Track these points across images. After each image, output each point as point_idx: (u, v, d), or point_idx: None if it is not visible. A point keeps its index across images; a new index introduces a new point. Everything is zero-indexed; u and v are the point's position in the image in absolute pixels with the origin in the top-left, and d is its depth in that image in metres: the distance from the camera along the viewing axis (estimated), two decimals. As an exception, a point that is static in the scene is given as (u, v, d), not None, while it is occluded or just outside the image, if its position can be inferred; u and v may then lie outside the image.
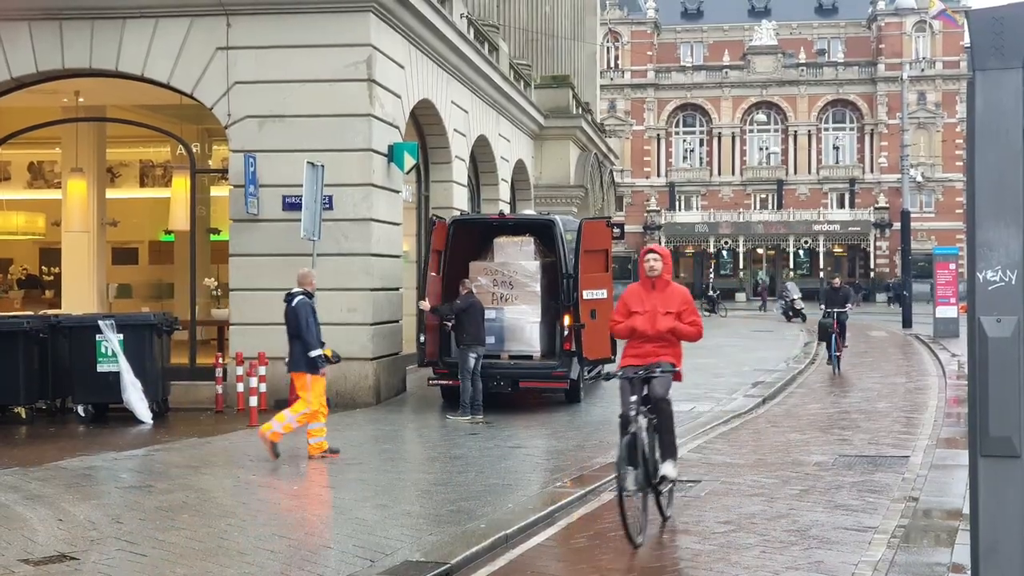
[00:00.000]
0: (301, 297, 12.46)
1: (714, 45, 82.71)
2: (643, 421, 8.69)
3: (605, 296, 17.35)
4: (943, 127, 75.52)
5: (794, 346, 29.18)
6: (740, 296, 71.12)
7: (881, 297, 69.20)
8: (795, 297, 44.81)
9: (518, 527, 8.79)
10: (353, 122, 16.64)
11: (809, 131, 78.41)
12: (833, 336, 22.36)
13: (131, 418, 15.02)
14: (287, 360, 12.55)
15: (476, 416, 15.10)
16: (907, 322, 36.65)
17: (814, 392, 19.12)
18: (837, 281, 25.27)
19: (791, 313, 43.98)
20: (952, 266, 32.34)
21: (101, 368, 15.12)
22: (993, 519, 4.89)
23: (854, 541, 8.43)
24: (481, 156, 26.36)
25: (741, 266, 75.08)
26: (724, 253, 75.93)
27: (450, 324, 16.06)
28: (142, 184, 22.49)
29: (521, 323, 16.75)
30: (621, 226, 19.95)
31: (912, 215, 42.86)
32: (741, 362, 24.00)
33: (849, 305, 23.31)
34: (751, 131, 79.37)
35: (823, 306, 23.23)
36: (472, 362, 15.34)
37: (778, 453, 12.68)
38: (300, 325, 12.23)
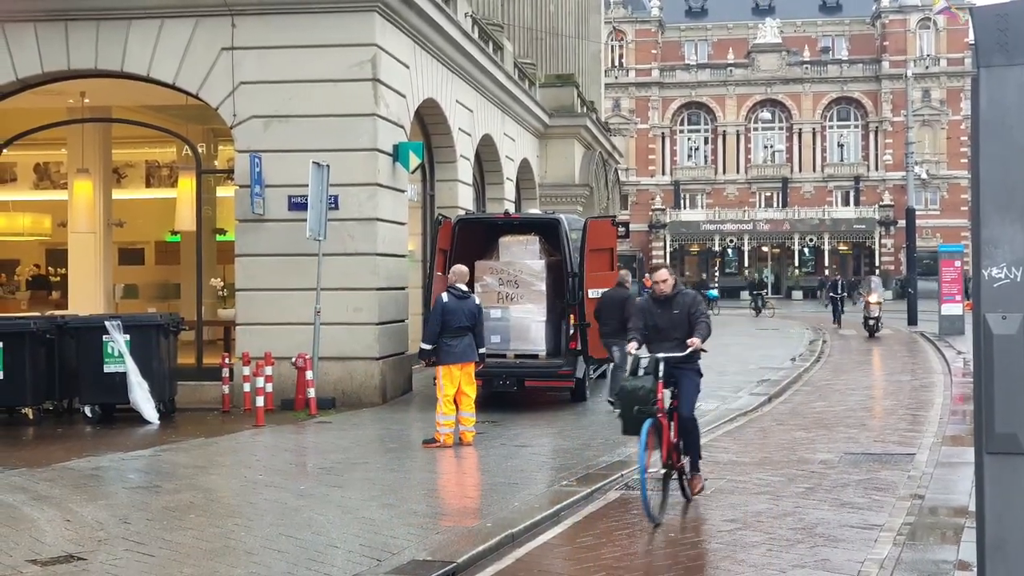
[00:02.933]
0: (475, 295, 13.53)
1: (718, 43, 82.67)
2: None
3: (610, 295, 17.35)
4: (948, 124, 75.43)
5: (799, 344, 29.16)
6: (745, 295, 70.95)
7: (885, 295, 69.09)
8: (872, 299, 32.78)
9: (524, 526, 8.80)
10: (358, 122, 16.67)
11: (814, 129, 78.35)
12: (645, 433, 9.04)
13: (138, 418, 15.04)
14: (457, 350, 13.03)
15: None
16: (912, 319, 36.61)
17: (819, 390, 19.10)
18: (665, 278, 9.92)
19: (869, 323, 32.64)
20: (957, 263, 32.28)
21: (108, 369, 15.14)
22: (999, 516, 4.90)
23: (860, 539, 8.43)
24: (486, 155, 26.38)
25: (746, 264, 75.00)
26: (729, 251, 75.84)
27: None
28: (148, 185, 22.54)
29: (526, 322, 16.74)
30: (626, 225, 20.01)
31: (917, 212, 42.74)
32: (746, 360, 23.98)
33: (697, 341, 9.58)
34: (756, 129, 79.32)
35: (632, 346, 9.82)
36: None
37: (784, 451, 12.68)
38: (481, 320, 13.36)
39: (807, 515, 9.26)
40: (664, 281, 9.92)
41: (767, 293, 49.65)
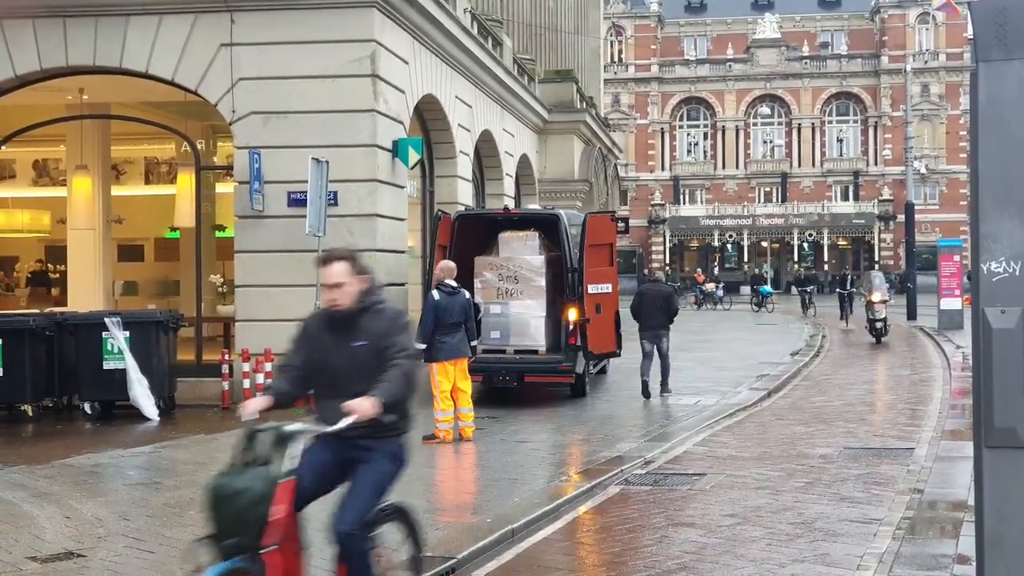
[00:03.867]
0: (465, 291, 13.51)
1: (718, 38, 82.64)
2: None
3: (610, 290, 17.38)
4: (947, 119, 75.44)
5: (799, 339, 29.16)
6: (745, 289, 70.87)
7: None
8: (875, 298, 27.83)
9: (524, 521, 8.80)
10: (357, 118, 16.65)
11: (813, 124, 78.37)
12: None
13: (138, 415, 15.04)
14: (450, 346, 13.03)
15: None
16: (911, 314, 36.62)
17: (819, 385, 19.12)
18: (340, 280, 5.57)
19: (876, 327, 27.79)
20: (956, 258, 32.29)
21: (107, 365, 15.15)
22: (998, 510, 4.90)
23: (859, 533, 8.44)
24: (485, 151, 26.37)
25: (746, 259, 75.00)
26: (729, 247, 75.85)
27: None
28: (147, 181, 22.55)
29: (526, 318, 16.76)
30: (626, 220, 20.10)
31: (916, 207, 42.71)
32: (747, 355, 24.00)
33: (367, 406, 5.23)
34: (755, 124, 79.33)
35: (252, 405, 5.64)
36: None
37: (783, 446, 12.69)
38: (472, 315, 13.30)
39: (806, 510, 9.27)
40: (337, 287, 5.56)
41: (814, 291, 44.55)
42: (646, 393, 16.85)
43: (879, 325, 27.67)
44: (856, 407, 16.17)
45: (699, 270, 63.08)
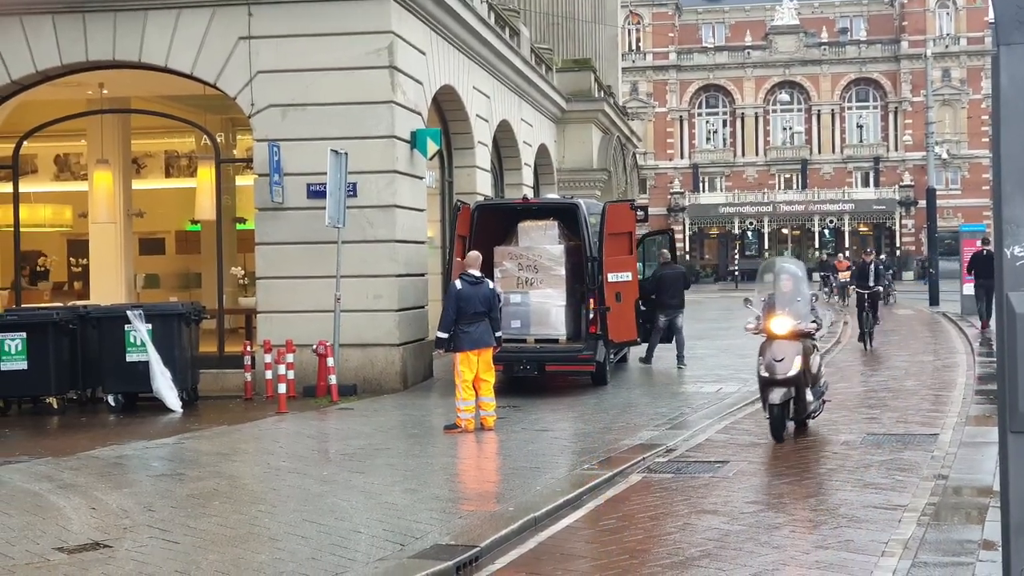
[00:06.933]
0: (489, 280, 13.69)
1: (736, 25, 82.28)
2: None
3: (630, 279, 17.36)
4: (968, 103, 74.93)
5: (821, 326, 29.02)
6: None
7: (907, 275, 68.68)
8: (776, 328, 12.11)
9: (547, 510, 8.82)
10: (375, 109, 16.68)
11: (832, 110, 77.98)
12: None
13: (161, 407, 15.13)
14: (474, 335, 13.03)
15: None
16: (934, 300, 36.45)
17: (841, 371, 19.03)
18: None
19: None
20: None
21: (130, 358, 15.23)
22: (1023, 495, 4.88)
23: (884, 519, 8.42)
24: (504, 141, 26.35)
25: (767, 247, 74.75)
26: (749, 234, 75.61)
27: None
28: (167, 174, 22.59)
29: (546, 307, 16.76)
30: (645, 209, 20.13)
31: (938, 192, 42.44)
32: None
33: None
34: (774, 111, 78.96)
35: None
36: None
37: (805, 433, 12.65)
38: (496, 305, 13.35)
39: (830, 496, 9.25)
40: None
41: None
42: (648, 359, 19.41)
43: (777, 400, 11.77)
44: (879, 393, 16.10)
45: (840, 256, 50.77)
